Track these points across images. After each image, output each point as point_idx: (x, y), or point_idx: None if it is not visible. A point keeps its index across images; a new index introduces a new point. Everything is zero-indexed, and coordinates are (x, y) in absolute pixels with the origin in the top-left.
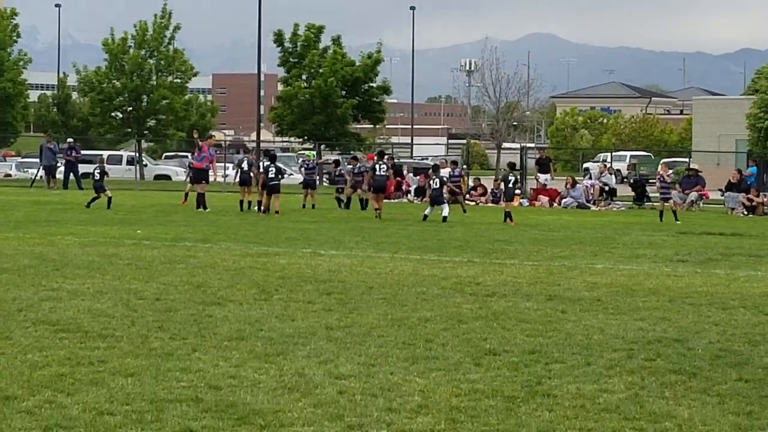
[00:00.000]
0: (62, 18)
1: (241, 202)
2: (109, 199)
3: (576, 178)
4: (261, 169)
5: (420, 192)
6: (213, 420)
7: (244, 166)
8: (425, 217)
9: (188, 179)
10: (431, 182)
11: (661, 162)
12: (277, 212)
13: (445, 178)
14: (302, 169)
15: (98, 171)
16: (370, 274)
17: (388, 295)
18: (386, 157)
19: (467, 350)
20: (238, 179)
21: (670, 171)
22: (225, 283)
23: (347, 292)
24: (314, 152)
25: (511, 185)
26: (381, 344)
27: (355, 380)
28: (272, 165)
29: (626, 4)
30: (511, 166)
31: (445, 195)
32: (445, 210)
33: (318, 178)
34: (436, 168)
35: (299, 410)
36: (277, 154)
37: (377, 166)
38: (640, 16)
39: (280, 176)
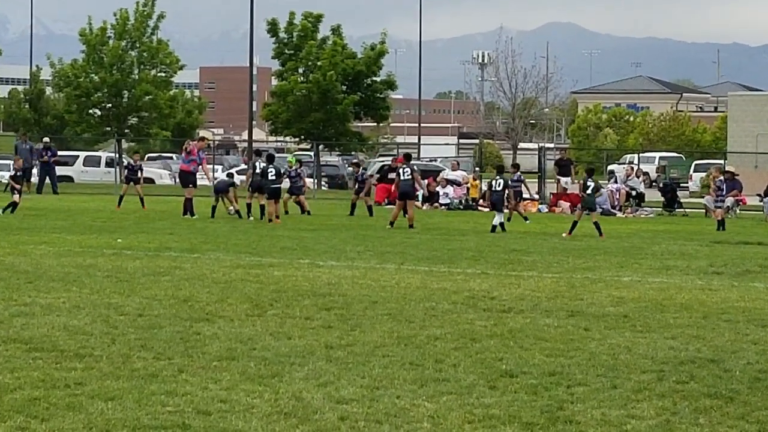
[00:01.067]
0: (35, 6)
1: (250, 205)
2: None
3: (600, 182)
4: (253, 171)
5: (430, 197)
6: None
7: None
8: (494, 227)
9: (125, 180)
10: (493, 184)
11: (712, 166)
12: (277, 217)
13: (519, 176)
14: (285, 176)
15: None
16: (374, 288)
17: (393, 311)
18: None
19: (481, 372)
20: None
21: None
22: (214, 298)
23: (349, 307)
24: (296, 158)
25: (590, 192)
26: (386, 365)
27: (357, 405)
28: (271, 166)
29: None
30: (499, 169)
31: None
32: (498, 218)
33: (303, 184)
34: (500, 169)
35: None
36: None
37: (401, 171)
38: (669, 3)
39: (280, 179)
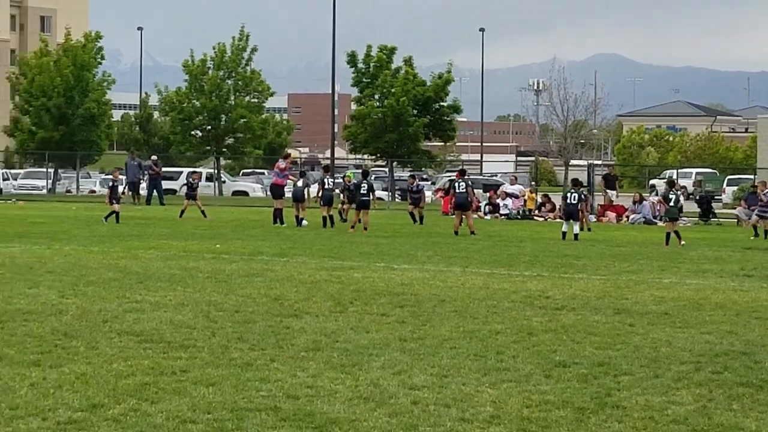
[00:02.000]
0: (144, 40)
1: (325, 218)
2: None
3: (643, 194)
4: (322, 185)
5: (493, 208)
6: (291, 429)
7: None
8: (564, 234)
9: (186, 197)
10: (568, 196)
11: (758, 180)
12: (365, 228)
13: (584, 194)
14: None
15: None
16: (442, 288)
17: (459, 308)
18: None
19: (537, 362)
20: (320, 195)
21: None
22: (302, 296)
23: (420, 304)
24: (353, 173)
25: (672, 204)
26: (453, 356)
27: (428, 391)
28: (364, 181)
29: (691, 24)
30: (575, 182)
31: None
32: (575, 227)
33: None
34: (575, 182)
35: (374, 420)
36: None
37: (456, 184)
38: (705, 35)
39: (371, 193)
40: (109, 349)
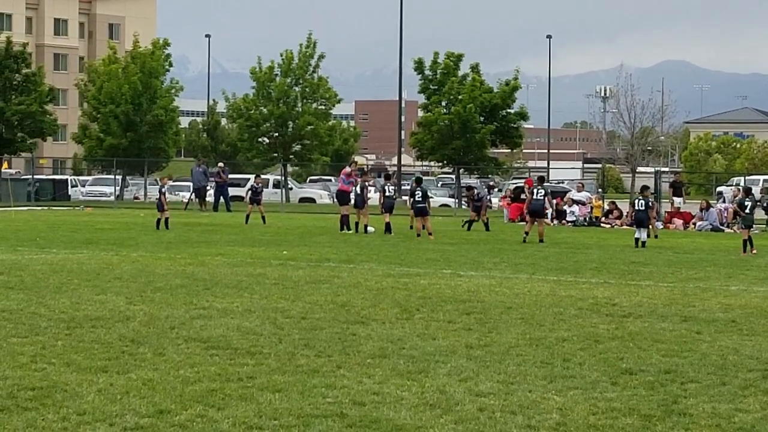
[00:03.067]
0: (211, 48)
1: (387, 224)
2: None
3: (710, 201)
4: (383, 192)
5: (559, 215)
6: None
7: (389, 191)
8: (637, 241)
9: (249, 201)
10: (636, 203)
11: None
12: (430, 234)
13: (651, 201)
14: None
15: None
16: (508, 295)
17: (526, 315)
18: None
19: (604, 369)
20: (382, 202)
21: None
22: (368, 303)
23: (486, 312)
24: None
25: (748, 211)
26: (519, 363)
27: (494, 398)
28: (419, 188)
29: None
30: (644, 189)
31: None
32: (643, 234)
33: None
34: (644, 188)
35: (441, 426)
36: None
37: (535, 191)
38: None
39: (426, 199)
40: (176, 355)
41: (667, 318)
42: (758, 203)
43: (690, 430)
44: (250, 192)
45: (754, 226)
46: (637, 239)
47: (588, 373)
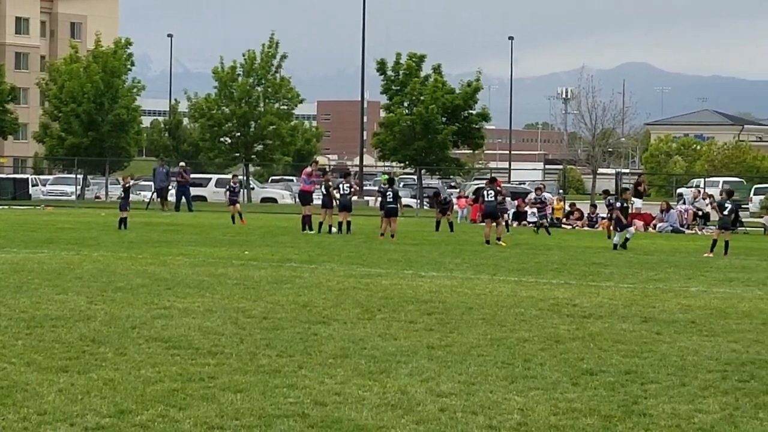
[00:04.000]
0: (174, 47)
1: (340, 224)
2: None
3: (670, 203)
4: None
5: (517, 216)
6: None
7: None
8: (615, 245)
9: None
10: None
11: None
12: (393, 236)
13: (610, 201)
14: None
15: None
16: (469, 295)
17: (487, 316)
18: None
19: (565, 370)
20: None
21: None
22: (330, 303)
23: (448, 312)
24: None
25: (727, 213)
26: (481, 363)
27: (455, 398)
28: (390, 188)
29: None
30: (606, 192)
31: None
32: (629, 233)
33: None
34: (606, 192)
35: (402, 427)
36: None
37: (485, 193)
38: (732, 45)
39: (398, 200)
40: (137, 355)
41: (627, 319)
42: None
43: (650, 431)
44: (228, 192)
45: (709, 227)
46: (615, 244)
47: (549, 374)
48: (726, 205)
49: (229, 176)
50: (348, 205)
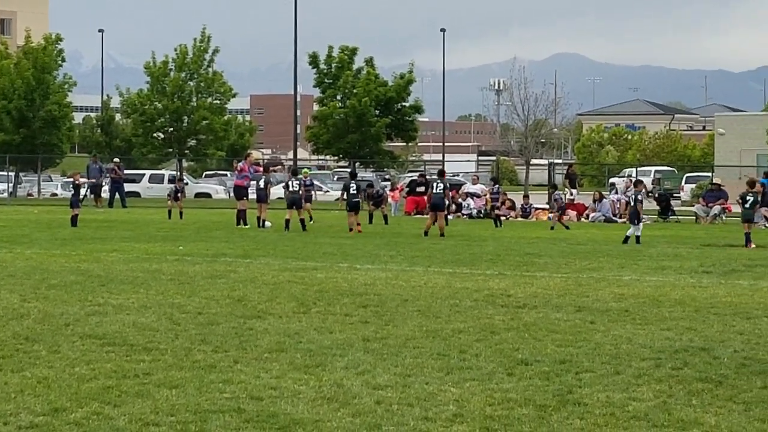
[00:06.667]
0: (105, 42)
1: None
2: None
3: (603, 192)
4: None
5: (457, 208)
6: (255, 430)
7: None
8: (626, 238)
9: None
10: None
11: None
12: (359, 226)
13: (640, 196)
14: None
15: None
16: (405, 287)
17: (422, 308)
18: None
19: (500, 360)
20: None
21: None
22: (265, 297)
23: (383, 304)
24: (309, 170)
25: (749, 205)
26: (416, 355)
27: (391, 390)
28: (353, 182)
29: (649, 24)
30: (637, 183)
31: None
32: (638, 229)
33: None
34: (638, 183)
35: (338, 420)
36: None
37: (434, 184)
38: (662, 35)
39: (360, 193)
40: (72, 352)
41: (561, 308)
42: (650, 194)
43: (585, 420)
44: (174, 191)
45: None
46: (627, 237)
47: (484, 365)
48: (748, 197)
49: (169, 175)
50: (295, 201)
